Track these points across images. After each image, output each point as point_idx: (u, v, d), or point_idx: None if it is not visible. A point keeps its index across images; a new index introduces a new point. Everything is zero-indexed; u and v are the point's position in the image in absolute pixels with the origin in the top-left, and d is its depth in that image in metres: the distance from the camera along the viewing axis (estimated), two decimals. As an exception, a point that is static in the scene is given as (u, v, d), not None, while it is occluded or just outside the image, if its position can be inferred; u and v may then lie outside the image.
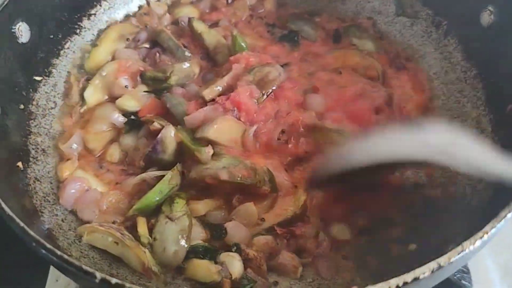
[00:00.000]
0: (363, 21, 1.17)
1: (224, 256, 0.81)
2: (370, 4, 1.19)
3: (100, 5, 1.13)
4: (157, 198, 0.85)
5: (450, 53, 1.05)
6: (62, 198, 0.87)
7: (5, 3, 0.90)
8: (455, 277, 0.91)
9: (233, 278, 0.78)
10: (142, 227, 0.83)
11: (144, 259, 0.78)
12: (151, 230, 0.83)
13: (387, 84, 1.05)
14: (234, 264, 0.80)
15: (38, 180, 0.88)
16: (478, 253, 0.94)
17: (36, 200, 0.84)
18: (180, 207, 0.84)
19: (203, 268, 0.80)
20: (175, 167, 0.87)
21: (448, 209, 0.86)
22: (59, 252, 0.58)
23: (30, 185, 0.85)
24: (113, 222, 0.84)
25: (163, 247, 0.81)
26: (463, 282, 0.91)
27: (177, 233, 0.81)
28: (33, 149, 0.92)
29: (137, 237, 0.82)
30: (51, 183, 0.90)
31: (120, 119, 0.97)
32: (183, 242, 0.81)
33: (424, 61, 1.09)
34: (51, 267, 1.00)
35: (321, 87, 1.01)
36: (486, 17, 0.94)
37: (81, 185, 0.89)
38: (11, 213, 0.62)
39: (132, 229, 0.83)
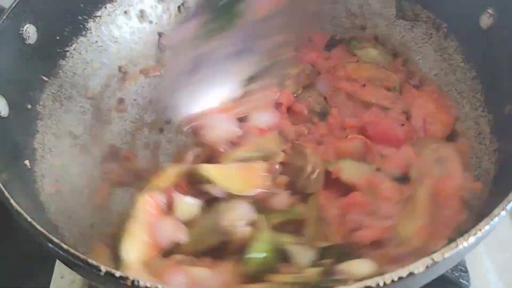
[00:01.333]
0: (364, 35, 1.18)
1: None
2: (371, 6, 1.20)
3: (105, 7, 1.15)
4: None
5: (450, 55, 1.06)
6: None
7: (13, 5, 0.92)
8: (453, 276, 0.93)
9: None
10: None
11: None
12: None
13: (404, 97, 1.05)
14: None
15: (44, 178, 0.90)
16: (476, 253, 0.98)
17: (43, 197, 0.86)
18: None
19: None
20: None
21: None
22: (65, 246, 0.60)
23: (37, 182, 0.88)
24: None
25: None
26: (461, 281, 0.92)
27: None
28: (40, 148, 0.94)
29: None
30: (56, 180, 0.92)
31: None
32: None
33: (424, 63, 1.10)
34: (56, 264, 1.03)
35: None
36: (485, 20, 0.95)
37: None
38: (19, 209, 0.64)
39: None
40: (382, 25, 1.18)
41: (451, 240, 0.60)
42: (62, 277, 1.01)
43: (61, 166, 0.95)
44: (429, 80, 1.08)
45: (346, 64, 1.11)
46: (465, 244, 0.59)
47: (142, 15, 1.19)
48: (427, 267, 0.57)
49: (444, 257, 0.58)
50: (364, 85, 1.06)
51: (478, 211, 0.79)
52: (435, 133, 0.99)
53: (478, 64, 1.00)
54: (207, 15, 0.89)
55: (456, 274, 0.93)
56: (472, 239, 0.60)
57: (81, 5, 1.11)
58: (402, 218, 0.83)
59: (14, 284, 1.06)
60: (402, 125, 0.99)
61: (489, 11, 0.95)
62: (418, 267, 0.56)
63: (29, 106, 0.96)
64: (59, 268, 1.02)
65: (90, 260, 0.58)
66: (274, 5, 0.90)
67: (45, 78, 1.01)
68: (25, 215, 0.63)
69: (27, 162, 0.88)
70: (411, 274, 0.56)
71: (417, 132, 0.99)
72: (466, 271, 0.94)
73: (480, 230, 0.60)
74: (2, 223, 1.12)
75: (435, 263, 0.57)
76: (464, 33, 1.04)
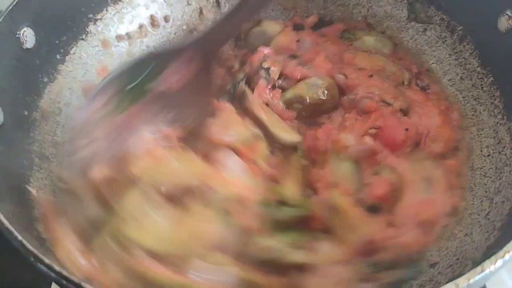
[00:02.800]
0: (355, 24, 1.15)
1: None
2: (382, 8, 1.15)
3: (107, 10, 1.11)
4: None
5: (466, 59, 1.01)
6: None
7: (10, 7, 0.89)
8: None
9: None
10: None
11: None
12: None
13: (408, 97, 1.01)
14: None
15: (41, 189, 0.86)
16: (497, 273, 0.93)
17: (39, 212, 0.81)
18: None
19: None
20: None
21: (464, 222, 0.83)
22: (57, 268, 0.55)
23: (32, 194, 0.83)
24: None
25: None
26: (481, 300, 0.88)
27: None
28: (36, 156, 0.90)
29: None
30: (54, 192, 0.88)
31: None
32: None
33: (438, 68, 1.05)
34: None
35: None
36: (504, 22, 0.90)
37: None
38: (9, 226, 0.60)
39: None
40: (393, 27, 1.14)
41: (477, 263, 0.55)
42: None
43: (59, 177, 0.91)
44: (439, 84, 1.03)
45: (355, 53, 1.08)
46: (492, 268, 0.55)
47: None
48: (451, 293, 0.52)
49: (470, 282, 0.53)
50: (371, 76, 1.02)
51: (501, 226, 0.74)
52: (434, 149, 0.92)
53: (496, 69, 0.95)
54: (113, 94, 0.90)
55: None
56: (499, 263, 0.55)
57: (82, 8, 1.07)
58: None
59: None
60: (406, 129, 0.94)
61: (508, 12, 0.90)
62: (441, 293, 0.52)
63: (26, 113, 0.92)
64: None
65: (83, 284, 0.54)
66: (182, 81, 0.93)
67: (43, 84, 0.97)
68: (15, 233, 0.59)
69: (22, 172, 0.84)
70: (433, 301, 0.52)
71: (418, 137, 0.94)
72: (484, 288, 0.89)
73: (508, 252, 0.55)
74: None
75: (459, 289, 0.52)
76: (481, 36, 0.98)
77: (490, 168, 0.87)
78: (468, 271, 0.54)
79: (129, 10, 1.14)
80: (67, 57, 1.04)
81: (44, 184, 0.87)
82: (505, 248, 0.56)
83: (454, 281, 0.53)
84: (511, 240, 0.57)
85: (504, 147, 0.87)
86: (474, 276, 0.53)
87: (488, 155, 0.89)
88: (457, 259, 0.75)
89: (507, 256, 0.55)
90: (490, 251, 0.59)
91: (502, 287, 0.92)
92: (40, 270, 0.57)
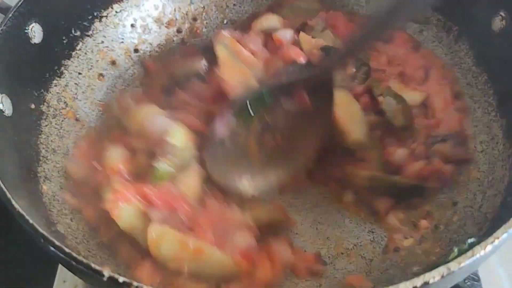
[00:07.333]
0: None
1: None
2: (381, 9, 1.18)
3: (112, 8, 1.13)
4: None
5: (461, 58, 1.04)
6: None
7: (19, 4, 0.91)
8: (466, 285, 0.91)
9: None
10: None
11: None
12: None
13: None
14: None
15: (48, 179, 0.88)
16: (488, 261, 0.96)
17: (46, 199, 0.84)
18: None
19: None
20: None
21: (458, 215, 0.85)
22: (67, 250, 0.58)
23: (40, 184, 0.86)
24: None
25: None
26: (474, 290, 0.91)
27: None
28: (43, 148, 0.92)
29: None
30: (60, 182, 0.90)
31: None
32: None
33: (434, 66, 1.09)
34: (59, 268, 1.01)
35: None
36: (498, 22, 0.94)
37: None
38: (21, 211, 0.63)
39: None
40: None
41: (466, 249, 0.58)
42: (64, 281, 0.99)
43: (64, 167, 0.93)
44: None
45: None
46: (482, 252, 0.57)
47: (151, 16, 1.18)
48: (442, 276, 0.55)
49: (460, 266, 0.56)
50: None
51: (493, 218, 0.77)
52: None
53: (489, 68, 0.98)
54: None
55: (469, 283, 0.91)
56: (489, 248, 0.58)
57: (88, 6, 1.10)
58: None
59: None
60: None
61: (502, 13, 0.93)
62: (433, 276, 0.54)
63: (33, 106, 0.94)
64: (62, 272, 1.00)
65: (93, 265, 0.56)
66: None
67: (49, 78, 1.00)
68: (26, 216, 0.62)
69: (30, 162, 0.86)
70: (425, 283, 0.54)
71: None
72: (478, 280, 0.92)
73: (498, 238, 0.58)
74: (3, 227, 1.11)
75: (450, 272, 0.55)
76: (476, 36, 1.01)
77: (484, 163, 0.90)
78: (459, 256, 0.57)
79: (134, 8, 1.17)
80: (73, 53, 1.06)
81: (50, 174, 0.90)
82: (495, 234, 0.59)
83: (446, 265, 0.55)
84: (501, 227, 0.59)
85: (497, 143, 0.90)
86: (465, 260, 0.56)
87: (482, 151, 0.92)
88: (451, 249, 0.78)
89: (496, 242, 0.58)
90: (482, 239, 0.61)
91: (493, 275, 0.95)
92: (50, 252, 0.59)
